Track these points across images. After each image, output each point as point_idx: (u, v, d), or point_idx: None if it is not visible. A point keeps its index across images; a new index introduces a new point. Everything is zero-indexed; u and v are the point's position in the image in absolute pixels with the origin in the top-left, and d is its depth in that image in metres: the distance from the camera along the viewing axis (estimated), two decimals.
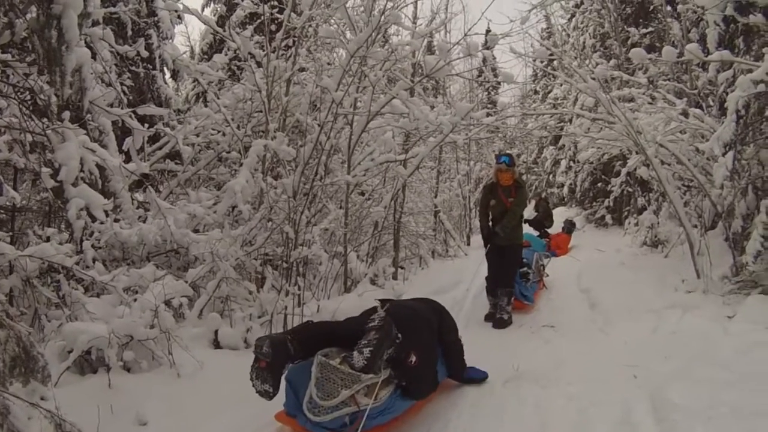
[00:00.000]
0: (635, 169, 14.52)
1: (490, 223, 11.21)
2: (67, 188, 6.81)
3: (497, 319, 10.72)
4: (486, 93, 33.35)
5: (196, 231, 9.14)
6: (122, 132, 8.96)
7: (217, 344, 8.10)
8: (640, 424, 5.56)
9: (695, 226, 12.05)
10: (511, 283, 11.06)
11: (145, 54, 9.21)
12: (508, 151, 13.09)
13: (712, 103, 12.87)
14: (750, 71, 8.63)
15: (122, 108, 8.54)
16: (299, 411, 5.54)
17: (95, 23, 8.68)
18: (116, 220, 8.15)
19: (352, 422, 5.42)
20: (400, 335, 6.08)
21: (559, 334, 9.69)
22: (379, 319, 6.01)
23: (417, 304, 7.29)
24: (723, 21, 10.50)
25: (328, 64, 12.51)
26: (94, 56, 8.54)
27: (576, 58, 15.07)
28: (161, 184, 11.28)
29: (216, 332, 8.13)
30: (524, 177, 20.68)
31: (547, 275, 13.97)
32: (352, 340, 5.89)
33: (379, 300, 6.84)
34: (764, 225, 8.95)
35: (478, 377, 7.34)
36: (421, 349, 6.31)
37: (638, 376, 6.81)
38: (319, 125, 10.39)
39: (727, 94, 9.54)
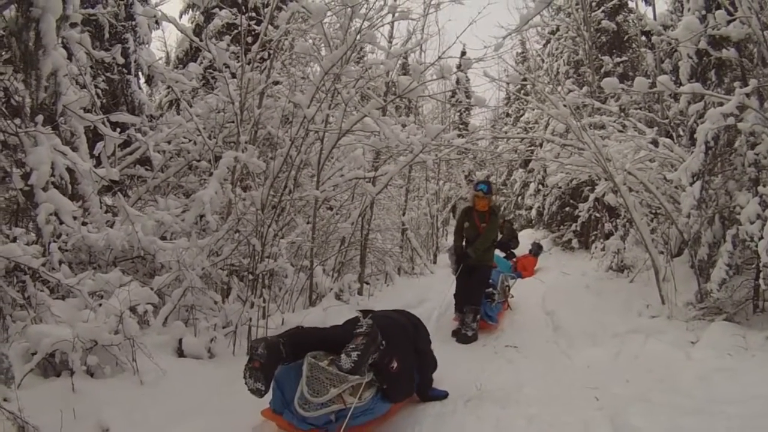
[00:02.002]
0: (603, 195, 14.62)
1: (464, 244, 11.64)
2: (38, 193, 6.80)
3: (462, 335, 10.96)
4: (458, 114, 33.50)
5: (163, 238, 9.10)
6: (94, 135, 8.93)
7: (180, 353, 8.06)
8: None
9: (661, 253, 12.14)
10: (477, 301, 11.33)
11: (121, 61, 9.18)
12: (486, 180, 13.21)
13: (682, 133, 13.00)
14: (721, 104, 8.74)
15: (96, 112, 8.53)
16: (285, 408, 6.06)
17: (73, 25, 8.65)
18: (84, 224, 8.10)
19: (337, 420, 5.91)
20: (384, 342, 6.54)
21: (521, 354, 9.77)
22: (366, 326, 6.42)
23: (396, 314, 7.79)
24: (696, 54, 10.60)
25: (303, 78, 12.52)
26: (70, 58, 8.52)
27: (549, 83, 15.14)
28: (130, 189, 11.24)
29: (180, 341, 8.09)
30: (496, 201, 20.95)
31: (512, 296, 14.03)
32: (337, 345, 6.38)
33: (360, 311, 7.39)
34: (729, 254, 9.08)
35: (440, 395, 7.58)
36: (401, 356, 6.79)
37: (599, 399, 6.93)
38: (290, 140, 10.41)
39: (697, 125, 9.66)
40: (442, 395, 7.62)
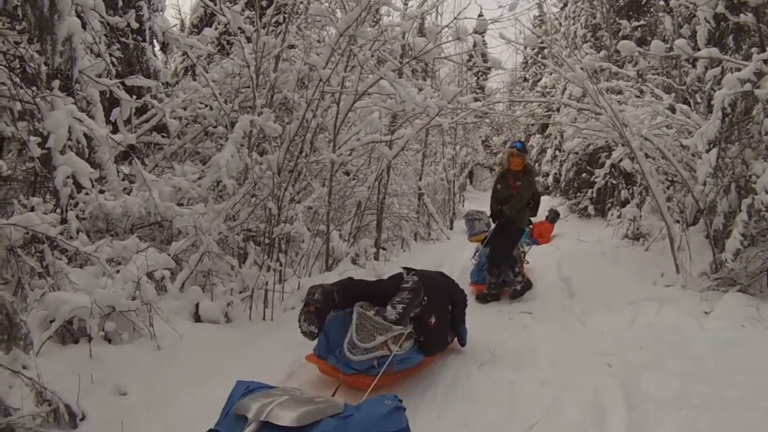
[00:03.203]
0: (620, 161, 14.57)
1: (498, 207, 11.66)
2: (55, 155, 6.79)
3: (512, 291, 11.35)
4: (475, 78, 33.38)
5: (180, 205, 9.12)
6: (110, 103, 8.89)
7: (197, 318, 8.12)
8: (610, 411, 5.65)
9: (677, 222, 12.09)
10: (508, 257, 11.54)
11: (135, 25, 9.14)
12: (520, 140, 13.21)
13: (700, 100, 12.89)
14: (738, 70, 8.66)
15: (111, 79, 8.52)
16: (330, 353, 6.61)
17: None
18: (101, 192, 8.10)
19: (378, 366, 6.32)
20: (426, 298, 7.14)
21: (536, 320, 9.75)
22: (412, 282, 7.12)
23: (436, 274, 8.36)
24: (714, 18, 10.50)
25: (318, 41, 12.48)
26: (84, 26, 8.49)
27: (566, 47, 15.08)
28: (147, 157, 11.25)
29: (197, 306, 8.15)
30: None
31: (527, 262, 14.03)
32: (382, 297, 7.05)
33: (404, 267, 8.09)
34: (745, 224, 9.00)
35: (464, 336, 8.17)
36: (439, 313, 7.38)
37: (612, 365, 6.93)
38: (305, 103, 10.41)
39: (714, 91, 9.57)
40: (465, 339, 8.15)
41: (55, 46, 5.65)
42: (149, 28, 11.88)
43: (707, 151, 9.38)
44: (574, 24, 27.34)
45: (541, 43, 13.79)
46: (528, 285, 11.49)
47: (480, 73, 36.54)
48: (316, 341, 6.80)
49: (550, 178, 31.50)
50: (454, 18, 10.96)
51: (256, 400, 4.20)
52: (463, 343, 8.15)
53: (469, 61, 17.57)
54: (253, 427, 3.93)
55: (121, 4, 10.87)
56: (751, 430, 4.89)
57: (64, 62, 6.91)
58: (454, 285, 8.57)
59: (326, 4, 12.02)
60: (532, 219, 14.98)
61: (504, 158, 12.20)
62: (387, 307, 6.83)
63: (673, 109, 11.99)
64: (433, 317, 7.23)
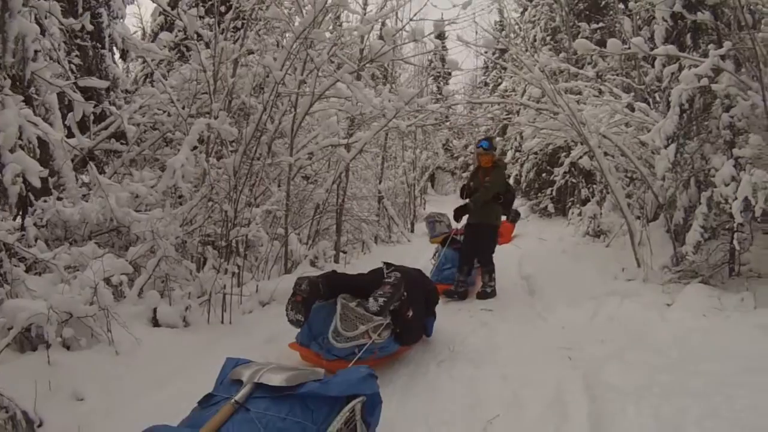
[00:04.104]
0: (579, 159, 14.65)
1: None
2: (4, 154, 6.72)
3: (481, 292, 11.47)
4: (435, 83, 33.47)
5: (138, 211, 9.06)
6: (68, 110, 8.86)
7: (156, 322, 8.05)
8: (572, 403, 5.69)
9: (638, 218, 12.21)
10: (488, 261, 11.65)
11: (90, 28, 9.05)
12: (487, 137, 13.23)
13: (659, 99, 12.98)
14: (696, 66, 8.72)
15: (71, 89, 8.44)
16: (312, 341, 7.05)
17: None
18: (59, 199, 8.06)
19: (360, 352, 6.75)
20: (405, 293, 7.59)
21: (497, 318, 9.76)
22: (394, 278, 7.61)
23: (414, 272, 8.64)
24: (671, 17, 10.53)
25: (276, 46, 12.46)
26: (43, 32, 8.45)
27: (526, 50, 15.13)
28: (106, 165, 11.17)
29: (155, 310, 8.08)
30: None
31: None
32: (363, 290, 7.55)
33: (384, 263, 8.37)
34: (704, 216, 9.09)
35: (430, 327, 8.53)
36: (416, 307, 7.82)
37: (573, 358, 7.01)
38: (262, 105, 10.38)
39: (672, 89, 9.62)
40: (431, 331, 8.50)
41: (5, 44, 5.61)
42: (109, 35, 11.84)
43: (666, 147, 9.46)
44: (533, 28, 27.52)
45: (499, 44, 13.84)
46: (495, 293, 11.52)
47: (440, 78, 36.61)
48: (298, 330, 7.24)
49: (511, 180, 31.65)
50: (410, 19, 11.01)
51: (248, 368, 4.66)
52: (428, 334, 8.43)
53: (429, 65, 17.64)
54: (249, 388, 4.38)
55: (80, 11, 10.78)
56: (713, 416, 4.90)
57: (17, 62, 6.84)
58: (429, 281, 9.09)
59: (285, 10, 11.99)
60: None
61: (475, 157, 12.38)
62: (369, 300, 7.28)
63: (632, 108, 12.08)
64: (411, 310, 7.63)
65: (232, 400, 4.25)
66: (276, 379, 4.42)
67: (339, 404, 4.54)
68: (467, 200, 11.82)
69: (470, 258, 11.73)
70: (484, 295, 11.32)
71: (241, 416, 4.18)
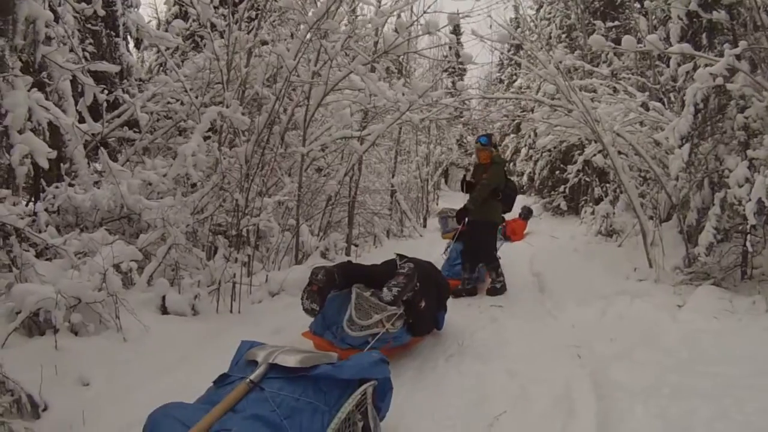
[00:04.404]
0: (593, 157, 14.61)
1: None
2: (12, 134, 6.71)
3: (490, 288, 11.38)
4: (450, 78, 33.44)
5: (150, 199, 9.05)
6: (82, 96, 8.86)
7: (164, 310, 8.06)
8: (579, 401, 5.65)
9: (651, 218, 12.13)
10: (491, 258, 11.63)
11: (101, 12, 9.03)
12: (486, 133, 13.19)
13: (674, 99, 12.94)
14: (711, 66, 8.66)
15: (84, 74, 8.44)
16: (326, 330, 7.18)
17: None
18: (71, 185, 8.05)
19: (372, 341, 6.85)
20: (418, 284, 7.68)
21: (506, 314, 9.72)
22: (408, 269, 7.72)
23: (426, 263, 8.72)
24: (687, 16, 10.48)
25: (291, 36, 12.42)
26: (57, 20, 8.45)
27: (541, 48, 15.08)
28: (119, 152, 11.17)
29: (164, 298, 8.09)
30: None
31: (499, 257, 14.05)
32: (377, 280, 7.67)
33: (397, 254, 8.66)
34: (717, 218, 9.03)
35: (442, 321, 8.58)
36: (429, 298, 7.90)
37: (582, 356, 6.97)
38: (274, 95, 10.36)
39: (686, 87, 9.57)
40: (442, 324, 8.55)
41: (15, 25, 5.61)
42: (123, 24, 11.84)
43: (680, 147, 9.41)
44: (549, 25, 27.51)
45: (513, 39, 13.79)
46: (505, 288, 11.46)
47: (455, 73, 36.62)
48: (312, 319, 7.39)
49: (525, 177, 31.69)
50: (424, 11, 10.92)
51: (263, 349, 4.82)
52: (439, 328, 8.48)
53: (443, 59, 17.60)
54: (263, 368, 4.51)
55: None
56: (723, 418, 4.86)
57: (28, 45, 6.84)
58: (440, 274, 9.19)
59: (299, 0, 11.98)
60: (506, 216, 14.98)
61: (476, 154, 12.28)
62: (383, 289, 7.40)
63: (646, 107, 12.03)
64: (423, 301, 7.73)
65: (247, 380, 4.37)
66: (290, 360, 4.54)
67: (351, 387, 4.60)
68: (465, 205, 11.67)
69: (472, 256, 11.68)
70: (493, 291, 11.27)
71: (255, 395, 4.29)
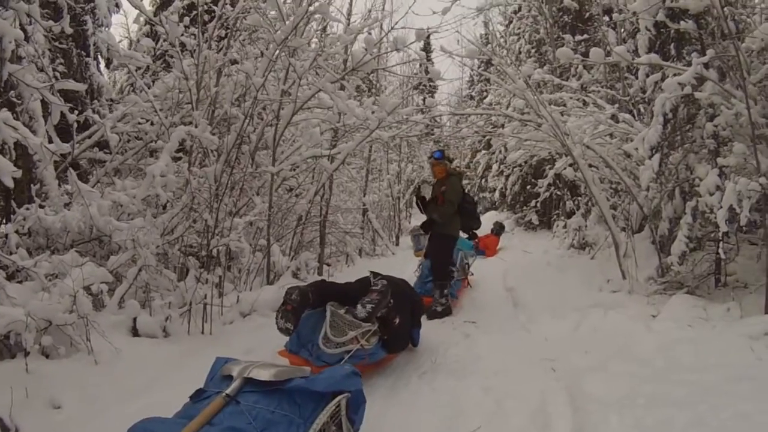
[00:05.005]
0: (563, 170, 14.65)
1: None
2: None
3: (431, 311, 10.90)
4: (420, 95, 33.56)
5: (120, 220, 9.01)
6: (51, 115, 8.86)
7: (135, 332, 8.04)
8: (555, 414, 5.65)
9: (623, 229, 12.17)
10: (441, 276, 11.38)
11: (69, 31, 9.02)
12: (440, 148, 13.21)
13: (643, 111, 13.00)
14: (679, 75, 8.70)
15: (54, 94, 8.40)
16: (301, 348, 7.20)
17: (29, 1, 8.53)
18: (41, 206, 8.03)
19: (348, 358, 6.92)
20: (392, 301, 7.79)
21: (480, 329, 9.74)
22: (381, 285, 7.86)
23: (400, 281, 8.86)
24: (654, 27, 10.53)
25: (261, 55, 12.41)
26: (27, 39, 8.42)
27: (510, 63, 15.11)
28: (90, 174, 11.12)
29: (135, 320, 8.07)
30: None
31: (472, 274, 14.09)
32: (351, 298, 7.75)
33: (371, 272, 8.70)
34: (689, 226, 9.08)
35: (416, 338, 8.75)
36: (403, 315, 7.99)
37: (557, 370, 6.96)
38: (243, 115, 10.35)
39: (655, 98, 9.61)
40: (417, 340, 8.71)
41: None
42: (93, 43, 11.80)
43: (650, 157, 9.46)
44: (518, 40, 27.68)
45: (482, 54, 13.85)
46: (448, 311, 11.24)
47: (425, 90, 36.78)
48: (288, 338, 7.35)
49: (497, 194, 31.83)
50: (392, 28, 10.98)
51: (237, 364, 4.81)
52: (415, 344, 8.62)
53: (413, 75, 17.63)
54: (239, 382, 4.52)
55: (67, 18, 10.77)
56: (699, 425, 4.86)
57: None
58: (414, 291, 9.30)
59: (269, 20, 11.96)
60: (477, 232, 15.01)
61: (431, 171, 12.29)
62: (357, 306, 7.50)
63: (616, 119, 12.08)
64: (398, 318, 7.81)
65: (223, 394, 4.40)
66: (265, 374, 4.58)
67: (325, 400, 4.69)
68: (431, 216, 11.65)
69: (438, 272, 11.54)
70: (433, 315, 10.91)
71: (231, 408, 4.33)
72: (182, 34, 10.24)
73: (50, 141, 8.08)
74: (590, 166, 12.31)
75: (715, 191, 8.30)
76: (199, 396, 4.61)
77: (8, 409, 5.29)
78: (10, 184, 6.97)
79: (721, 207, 7.85)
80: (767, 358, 6.27)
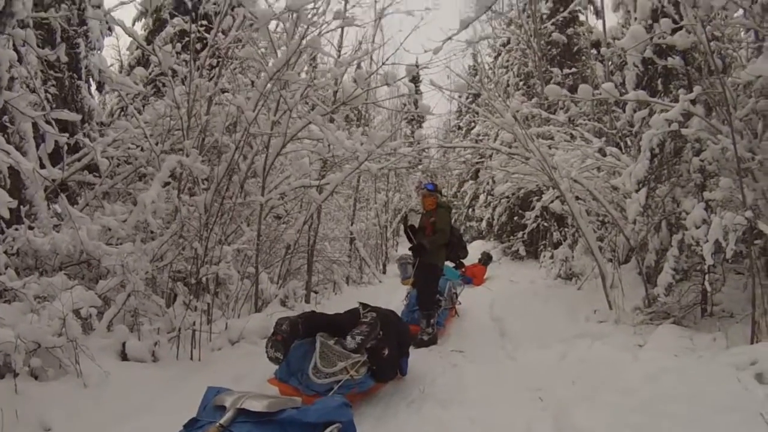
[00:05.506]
0: (550, 203, 14.71)
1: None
2: None
3: (417, 340, 10.87)
4: (409, 127, 33.67)
5: (109, 244, 9.03)
6: (43, 140, 8.86)
7: (124, 356, 8.03)
8: None
9: (609, 260, 12.24)
10: (427, 306, 11.39)
11: (65, 59, 9.09)
12: (432, 181, 13.34)
13: (630, 144, 13.09)
14: (666, 111, 8.77)
15: (44, 119, 8.45)
16: (291, 377, 7.24)
17: (24, 26, 8.58)
18: (30, 228, 8.07)
19: (338, 388, 7.02)
20: (381, 332, 7.98)
21: (467, 359, 9.76)
22: (371, 318, 8.07)
23: (389, 312, 8.93)
24: (642, 63, 10.61)
25: (251, 85, 12.45)
26: (20, 61, 8.47)
27: (498, 96, 15.21)
28: (79, 196, 11.14)
29: (124, 344, 8.07)
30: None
31: (460, 303, 14.10)
32: (340, 329, 7.91)
33: (360, 303, 8.80)
34: (676, 258, 9.14)
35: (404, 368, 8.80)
36: (392, 346, 8.10)
37: (543, 400, 6.94)
38: (234, 144, 10.38)
39: (643, 133, 9.69)
40: (405, 369, 8.76)
41: None
42: (85, 67, 11.85)
43: (637, 191, 9.52)
44: (506, 73, 27.76)
45: (470, 89, 13.91)
46: (434, 340, 11.29)
47: (414, 121, 36.89)
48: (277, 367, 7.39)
49: (484, 223, 31.87)
50: (382, 63, 11.05)
51: (230, 395, 4.85)
52: (403, 373, 8.67)
53: (402, 108, 17.73)
54: (232, 413, 4.56)
55: (59, 40, 10.80)
56: None
57: None
58: (402, 322, 9.40)
59: (261, 50, 12.02)
60: (464, 261, 15.04)
61: (419, 201, 12.53)
62: (347, 338, 7.66)
63: (603, 153, 12.17)
64: (387, 349, 7.95)
65: (217, 424, 4.43)
66: (257, 405, 4.62)
67: (317, 430, 4.72)
68: (421, 241, 11.59)
69: (419, 303, 11.62)
70: (420, 344, 10.92)
71: None
72: (174, 63, 10.29)
73: (42, 166, 8.11)
74: (577, 198, 12.39)
75: (701, 224, 8.36)
76: (192, 425, 4.64)
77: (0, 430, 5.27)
78: (6, 215, 7.02)
79: (708, 240, 7.90)
80: (753, 389, 6.32)
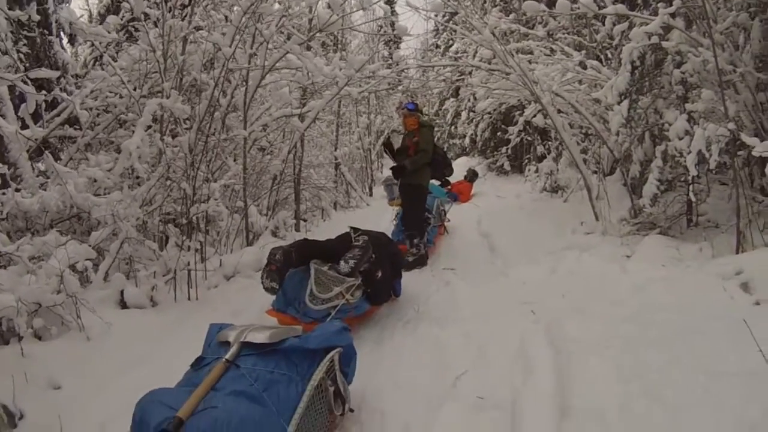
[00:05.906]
0: (533, 117, 14.74)
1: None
2: None
3: (405, 262, 10.70)
4: (386, 48, 33.44)
5: (97, 195, 9.05)
6: (20, 101, 8.82)
7: (123, 304, 8.11)
8: (536, 357, 5.69)
9: (594, 172, 12.30)
10: (413, 226, 11.54)
11: (36, 18, 9.04)
12: (413, 101, 13.26)
13: (611, 57, 13.08)
14: (646, 25, 8.79)
15: (23, 81, 8.41)
16: (288, 306, 7.40)
17: None
18: (17, 190, 8.02)
19: (334, 313, 7.17)
20: (374, 255, 8.13)
21: (459, 276, 9.84)
22: (362, 241, 8.26)
23: (380, 234, 9.09)
24: None
25: (225, 20, 12.37)
26: None
27: (476, 13, 15.13)
28: (62, 151, 11.11)
29: (122, 292, 8.15)
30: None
31: (449, 220, 14.21)
32: (333, 255, 8.08)
33: (351, 227, 9.02)
34: (660, 169, 9.18)
35: (398, 290, 8.96)
36: (384, 268, 8.19)
37: (536, 313, 7.01)
38: (213, 81, 10.36)
39: (623, 45, 9.70)
40: (399, 291, 8.93)
41: None
42: (56, 21, 11.77)
43: (619, 103, 9.54)
44: None
45: (447, 7, 13.85)
46: (421, 261, 11.36)
47: (391, 43, 36.62)
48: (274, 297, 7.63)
49: (467, 140, 31.79)
50: None
51: (233, 330, 5.00)
52: (397, 294, 8.85)
53: (379, 31, 17.63)
54: (236, 347, 4.69)
55: (27, 0, 10.71)
56: (675, 363, 4.94)
57: None
58: (394, 243, 9.40)
59: None
60: (450, 179, 15.10)
61: (401, 122, 12.36)
62: (340, 262, 7.82)
63: (584, 66, 12.15)
64: (380, 272, 8.05)
65: (223, 359, 4.55)
66: (260, 337, 4.77)
67: (319, 356, 4.90)
68: (402, 162, 11.52)
69: (410, 223, 11.68)
70: (407, 266, 10.87)
71: (232, 373, 4.48)
72: (146, 6, 10.22)
73: (23, 126, 8.12)
74: (559, 112, 12.40)
75: (684, 136, 8.39)
76: (199, 363, 4.75)
77: (11, 394, 5.36)
78: None
79: (690, 151, 7.96)
80: (738, 297, 6.44)
